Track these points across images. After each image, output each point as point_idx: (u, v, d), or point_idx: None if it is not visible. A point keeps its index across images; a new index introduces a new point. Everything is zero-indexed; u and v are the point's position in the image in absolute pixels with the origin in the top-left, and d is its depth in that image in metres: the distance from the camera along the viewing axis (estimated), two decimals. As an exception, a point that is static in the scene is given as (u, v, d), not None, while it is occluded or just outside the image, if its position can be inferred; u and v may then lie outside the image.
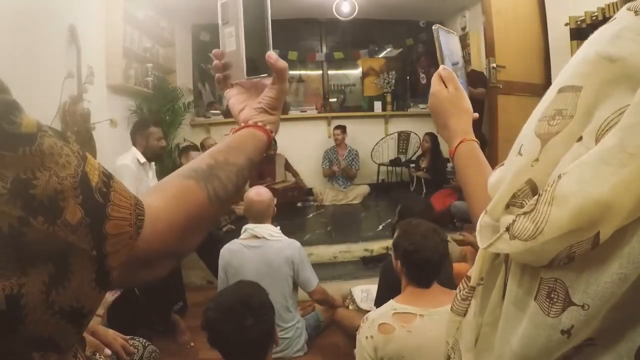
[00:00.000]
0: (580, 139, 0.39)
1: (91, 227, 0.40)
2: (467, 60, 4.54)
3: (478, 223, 0.49)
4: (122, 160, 2.61)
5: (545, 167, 0.41)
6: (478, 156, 0.71)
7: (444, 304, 1.39)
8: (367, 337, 1.38)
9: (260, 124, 0.66)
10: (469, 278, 0.55)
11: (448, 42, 0.79)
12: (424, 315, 1.37)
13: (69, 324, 0.39)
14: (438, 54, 0.76)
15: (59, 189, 0.38)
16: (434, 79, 0.76)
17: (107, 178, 0.43)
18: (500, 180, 0.47)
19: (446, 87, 0.75)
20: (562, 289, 0.40)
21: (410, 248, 1.45)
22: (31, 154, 0.37)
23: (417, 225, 1.52)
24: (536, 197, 0.39)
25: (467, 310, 0.55)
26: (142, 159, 2.68)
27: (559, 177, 0.38)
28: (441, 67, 0.76)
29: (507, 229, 0.42)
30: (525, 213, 0.40)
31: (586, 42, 0.43)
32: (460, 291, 0.57)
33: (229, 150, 0.60)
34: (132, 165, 2.60)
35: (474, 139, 0.72)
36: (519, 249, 0.40)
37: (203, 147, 4.38)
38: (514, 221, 0.41)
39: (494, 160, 3.66)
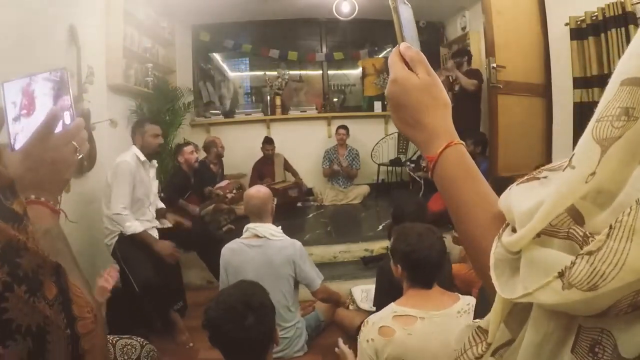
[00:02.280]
0: None
1: (63, 306, 0.41)
2: (468, 60, 4.53)
3: (492, 255, 0.39)
4: (122, 157, 2.62)
5: (602, 183, 0.32)
6: (470, 165, 0.54)
7: (445, 306, 1.40)
8: (367, 340, 1.38)
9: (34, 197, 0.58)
10: (483, 331, 0.44)
11: (408, 16, 0.61)
12: (424, 318, 1.37)
13: None
14: (397, 30, 0.57)
15: (41, 264, 0.39)
16: (393, 61, 0.56)
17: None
18: (538, 205, 0.36)
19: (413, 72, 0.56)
20: (610, 342, 0.32)
21: (407, 249, 1.46)
22: (19, 230, 0.40)
23: (411, 227, 1.54)
24: (606, 230, 0.30)
25: None
26: (142, 157, 2.69)
27: (638, 202, 0.29)
28: (403, 45, 0.56)
29: (561, 275, 0.32)
30: (590, 252, 0.30)
31: None
32: (471, 347, 0.45)
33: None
34: (132, 162, 2.60)
35: (461, 141, 0.55)
36: (572, 299, 0.31)
37: (214, 144, 4.39)
38: (572, 263, 0.31)
39: (493, 161, 3.66)
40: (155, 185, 2.87)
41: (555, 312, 0.35)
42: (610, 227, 0.30)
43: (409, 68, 0.56)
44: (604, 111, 0.34)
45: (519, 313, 0.41)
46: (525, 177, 0.42)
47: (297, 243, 2.28)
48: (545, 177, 0.40)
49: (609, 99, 0.34)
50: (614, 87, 0.34)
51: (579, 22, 3.21)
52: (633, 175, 0.31)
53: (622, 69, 0.35)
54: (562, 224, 0.34)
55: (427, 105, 0.55)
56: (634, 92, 0.33)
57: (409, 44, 0.56)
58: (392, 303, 1.46)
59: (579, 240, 0.32)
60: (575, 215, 0.33)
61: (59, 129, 0.63)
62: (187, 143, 3.95)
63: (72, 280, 0.49)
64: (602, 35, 3.02)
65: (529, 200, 0.38)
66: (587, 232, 0.32)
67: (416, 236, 1.46)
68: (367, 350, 1.38)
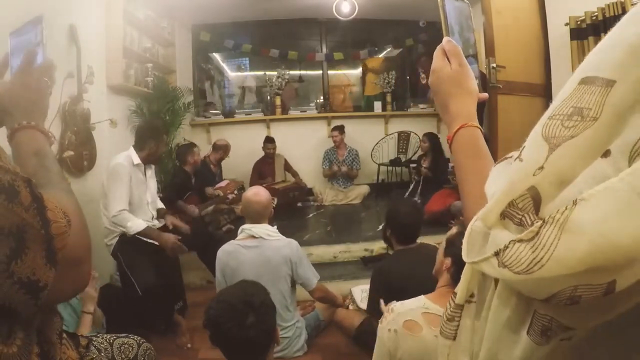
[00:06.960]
0: (606, 153, 0.31)
1: (38, 211, 0.50)
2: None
3: (469, 226, 0.41)
4: (115, 159, 2.56)
5: (550, 178, 0.33)
6: (479, 145, 0.60)
7: None
8: (389, 330, 1.27)
9: (27, 122, 0.72)
10: (455, 295, 0.49)
11: (457, 11, 0.67)
12: None
13: (27, 294, 0.49)
14: (443, 25, 0.65)
15: (14, 177, 0.48)
16: (437, 53, 0.65)
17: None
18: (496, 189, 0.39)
19: (449, 62, 0.64)
20: (560, 328, 0.35)
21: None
22: None
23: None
24: (539, 223, 0.31)
25: (456, 333, 0.49)
26: (137, 160, 2.62)
27: (575, 202, 0.30)
28: (445, 39, 0.64)
29: (497, 254, 0.34)
30: (521, 240, 0.32)
31: (625, 20, 0.34)
32: (446, 310, 0.50)
33: (50, 159, 0.71)
34: (126, 164, 2.54)
35: (477, 124, 0.62)
36: (509, 279, 0.33)
37: (222, 148, 4.43)
38: (506, 247, 0.33)
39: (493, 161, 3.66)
40: (153, 184, 2.83)
41: (517, 291, 0.38)
42: (543, 221, 0.31)
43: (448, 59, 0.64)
44: (557, 109, 0.34)
45: (488, 282, 0.44)
46: (504, 157, 0.45)
47: (294, 242, 2.27)
48: (512, 157, 0.42)
49: (565, 96, 0.34)
50: (572, 85, 0.34)
51: (579, 22, 3.22)
52: (582, 173, 0.32)
53: (584, 66, 0.34)
54: (523, 207, 0.34)
55: (452, 93, 0.63)
56: (590, 91, 0.31)
57: (450, 37, 0.64)
58: (423, 297, 1.33)
59: (527, 228, 0.34)
60: (536, 198, 0.34)
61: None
62: (194, 144, 3.92)
63: (54, 194, 0.59)
64: (602, 35, 3.02)
65: (496, 183, 0.41)
66: (535, 221, 0.33)
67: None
68: (386, 342, 1.27)
